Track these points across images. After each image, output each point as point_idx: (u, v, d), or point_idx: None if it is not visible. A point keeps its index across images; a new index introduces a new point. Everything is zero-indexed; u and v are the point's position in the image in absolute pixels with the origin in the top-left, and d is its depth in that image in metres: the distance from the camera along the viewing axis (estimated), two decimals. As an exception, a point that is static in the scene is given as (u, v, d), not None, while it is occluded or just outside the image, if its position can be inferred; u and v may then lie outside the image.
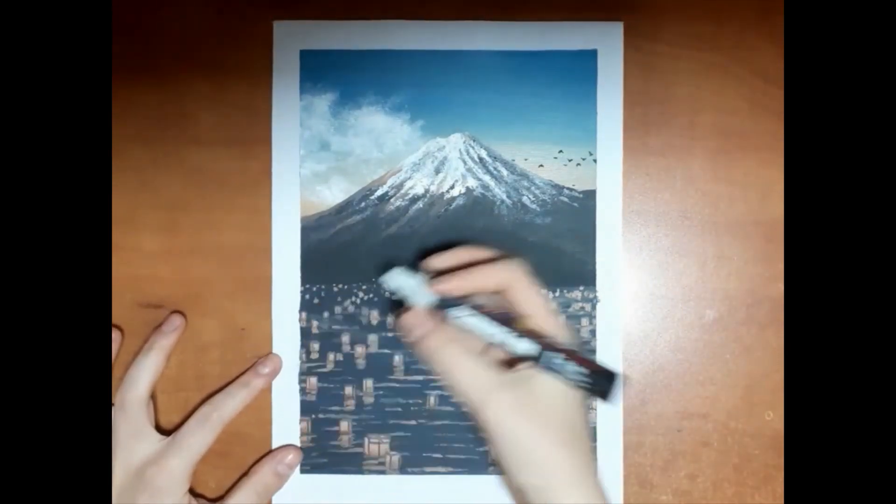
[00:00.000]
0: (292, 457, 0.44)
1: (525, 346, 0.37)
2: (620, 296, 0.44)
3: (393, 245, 0.45)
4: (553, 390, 0.37)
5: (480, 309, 0.39)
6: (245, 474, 0.44)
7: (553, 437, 0.36)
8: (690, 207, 0.45)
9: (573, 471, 0.36)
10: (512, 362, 0.39)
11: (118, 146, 0.45)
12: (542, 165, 0.45)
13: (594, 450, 0.44)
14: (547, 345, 0.37)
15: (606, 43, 0.44)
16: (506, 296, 0.39)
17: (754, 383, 0.44)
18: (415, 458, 0.44)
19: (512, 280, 0.39)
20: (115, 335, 0.44)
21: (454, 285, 0.38)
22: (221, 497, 0.44)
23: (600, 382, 0.37)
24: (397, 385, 0.45)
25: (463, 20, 0.44)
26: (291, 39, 0.45)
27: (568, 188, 0.45)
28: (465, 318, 0.38)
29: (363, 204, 0.45)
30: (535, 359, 0.37)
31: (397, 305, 0.41)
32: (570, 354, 0.37)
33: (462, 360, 0.37)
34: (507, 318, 0.38)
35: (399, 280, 0.39)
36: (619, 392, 0.36)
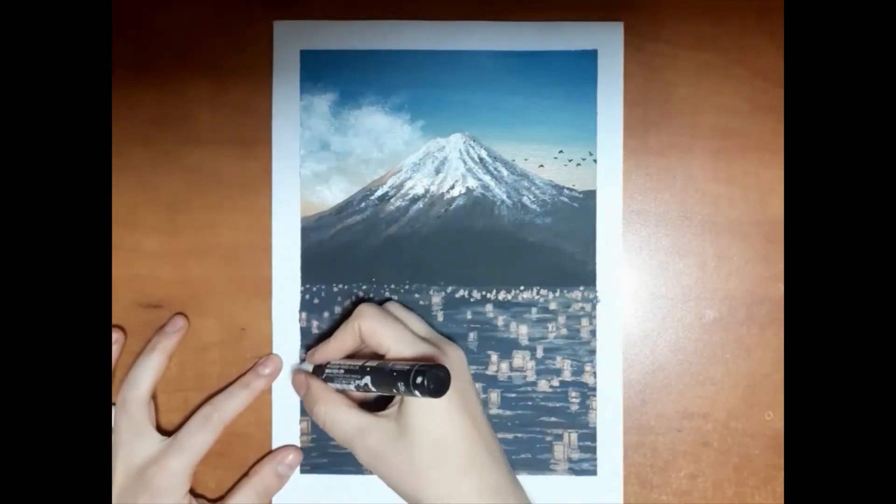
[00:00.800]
0: (293, 457, 0.44)
1: (367, 382, 0.38)
2: (620, 296, 0.44)
3: (393, 245, 0.45)
4: (420, 413, 0.38)
5: (350, 360, 0.41)
6: (245, 475, 0.44)
7: (429, 470, 0.37)
8: (690, 207, 0.45)
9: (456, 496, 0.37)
10: (387, 401, 0.40)
11: (118, 146, 0.45)
12: (542, 165, 0.45)
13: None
14: (375, 370, 0.38)
15: (606, 43, 0.44)
16: (368, 342, 0.40)
17: (754, 383, 0.44)
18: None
19: (362, 325, 0.40)
20: (119, 335, 0.44)
21: (318, 355, 0.42)
22: (222, 497, 0.44)
23: (430, 382, 0.35)
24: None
25: (463, 20, 0.44)
26: (291, 39, 0.45)
27: (568, 188, 0.45)
28: (331, 374, 0.41)
29: (363, 204, 0.45)
30: (382, 389, 0.38)
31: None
32: (386, 371, 0.37)
33: (332, 411, 0.40)
34: (370, 362, 0.39)
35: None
36: (445, 382, 0.35)
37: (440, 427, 0.38)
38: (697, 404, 0.44)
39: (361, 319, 0.40)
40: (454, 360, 0.40)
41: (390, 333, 0.40)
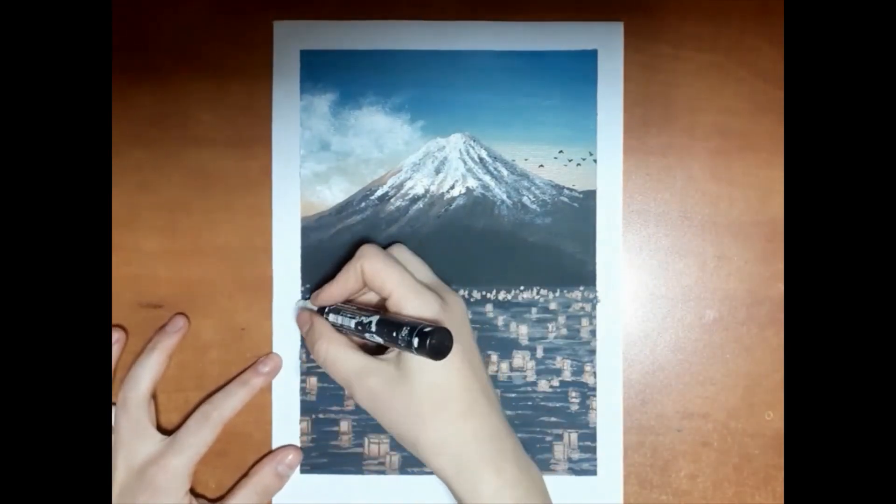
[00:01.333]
0: (292, 457, 0.44)
1: (372, 331, 0.38)
2: (620, 296, 0.44)
3: (393, 245, 0.45)
4: (420, 359, 0.37)
5: (353, 305, 0.41)
6: (245, 474, 0.44)
7: (427, 414, 0.37)
8: (690, 207, 0.45)
9: (461, 446, 0.37)
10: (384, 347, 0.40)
11: (118, 146, 0.45)
12: (542, 165, 0.45)
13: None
14: (380, 321, 0.38)
15: (606, 43, 0.44)
16: (370, 283, 0.40)
17: (754, 383, 0.44)
18: (415, 458, 0.44)
19: (364, 265, 0.40)
20: (120, 335, 0.44)
21: (321, 297, 0.41)
22: (222, 497, 0.44)
23: (429, 343, 0.35)
24: (397, 385, 0.45)
25: (463, 20, 0.44)
26: (291, 39, 0.45)
27: (568, 188, 0.45)
28: (335, 317, 0.41)
29: (363, 204, 0.45)
30: (382, 339, 0.38)
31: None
32: (390, 323, 0.37)
33: (332, 350, 0.40)
34: (374, 309, 0.39)
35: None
36: (447, 346, 0.35)
37: (439, 373, 0.38)
38: (697, 404, 0.44)
39: (364, 260, 0.40)
40: (455, 309, 0.40)
41: (393, 276, 0.39)
